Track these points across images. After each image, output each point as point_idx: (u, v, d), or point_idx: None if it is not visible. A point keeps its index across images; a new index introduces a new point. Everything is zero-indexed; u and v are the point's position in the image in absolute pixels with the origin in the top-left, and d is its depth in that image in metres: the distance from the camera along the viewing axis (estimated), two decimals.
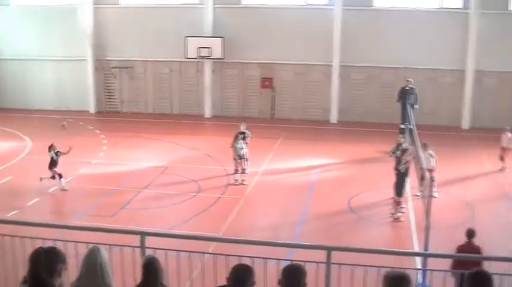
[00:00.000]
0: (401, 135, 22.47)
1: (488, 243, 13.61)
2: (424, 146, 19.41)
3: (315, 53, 32.57)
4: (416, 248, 15.59)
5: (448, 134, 29.61)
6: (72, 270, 6.13)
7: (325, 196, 20.64)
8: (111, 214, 18.20)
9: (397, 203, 18.28)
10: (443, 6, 31.51)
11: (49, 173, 20.51)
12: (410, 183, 19.32)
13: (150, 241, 7.67)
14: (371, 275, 7.61)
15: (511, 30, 30.32)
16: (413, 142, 19.77)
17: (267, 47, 32.89)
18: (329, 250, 7.35)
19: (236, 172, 21.60)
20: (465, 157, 25.24)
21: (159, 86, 35.04)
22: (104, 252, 6.05)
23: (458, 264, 10.82)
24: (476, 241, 12.31)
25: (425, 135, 21.73)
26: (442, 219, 16.80)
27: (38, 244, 6.59)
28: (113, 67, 34.94)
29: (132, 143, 27.74)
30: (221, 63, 33.65)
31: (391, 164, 19.01)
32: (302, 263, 6.29)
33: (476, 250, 11.97)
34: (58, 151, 20.62)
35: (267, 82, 33.53)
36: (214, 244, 12.79)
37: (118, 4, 34.43)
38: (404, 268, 6.29)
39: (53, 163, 20.50)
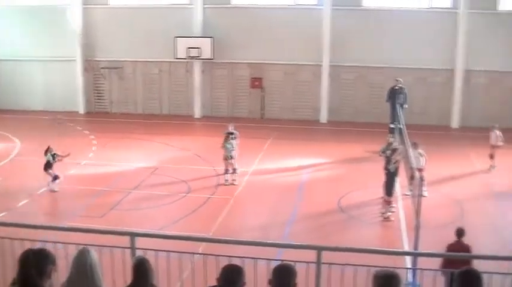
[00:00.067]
0: (391, 135, 22.54)
1: (477, 242, 13.67)
2: (414, 145, 19.48)
3: (304, 53, 32.59)
4: (407, 248, 15.63)
5: (438, 133, 29.70)
6: (62, 271, 6.10)
7: (315, 196, 20.66)
8: (100, 215, 18.16)
9: (387, 203, 18.33)
10: (432, 6, 31.60)
11: (50, 177, 20.47)
12: (400, 182, 19.38)
13: (140, 242, 7.65)
14: (361, 275, 7.62)
15: (499, 29, 30.45)
16: (403, 142, 19.82)
17: (256, 47, 32.88)
18: (319, 249, 7.35)
19: (226, 172, 21.60)
20: (455, 156, 25.32)
21: (148, 87, 34.95)
22: (94, 253, 6.03)
23: (448, 263, 10.88)
24: (466, 239, 12.36)
25: (415, 134, 21.77)
26: (431, 218, 16.85)
27: (28, 245, 6.55)
28: (102, 68, 34.81)
29: (121, 144, 27.68)
30: (211, 64, 33.61)
31: (380, 163, 19.04)
32: (292, 263, 6.29)
33: (466, 248, 12.02)
34: (55, 154, 20.55)
35: (256, 82, 33.52)
36: (204, 244, 12.78)
37: (107, 4, 34.31)
38: (395, 267, 6.30)
39: (48, 165, 20.42)
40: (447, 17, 31.16)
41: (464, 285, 5.64)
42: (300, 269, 6.31)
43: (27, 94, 35.25)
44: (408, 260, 14.08)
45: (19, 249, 6.44)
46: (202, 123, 33.44)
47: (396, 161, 18.20)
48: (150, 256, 6.69)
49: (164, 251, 8.03)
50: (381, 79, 31.55)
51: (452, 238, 12.41)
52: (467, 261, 9.56)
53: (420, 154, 19.56)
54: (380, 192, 18.65)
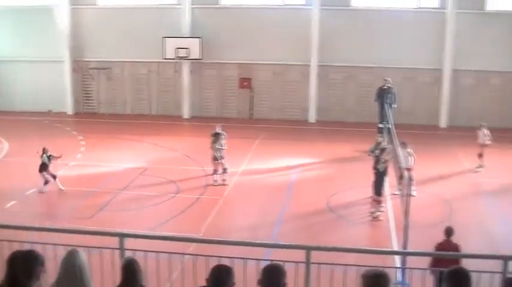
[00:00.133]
0: (380, 135, 22.59)
1: (466, 241, 13.71)
2: (403, 145, 19.54)
3: (293, 53, 32.64)
4: (396, 247, 15.65)
5: (426, 133, 29.83)
6: (50, 273, 6.07)
7: (304, 196, 20.66)
8: (89, 216, 18.07)
9: (377, 202, 18.35)
10: (421, 6, 31.74)
11: (43, 179, 20.37)
12: (389, 182, 19.41)
13: (129, 243, 7.63)
14: (350, 275, 7.64)
15: (487, 29, 30.64)
16: (391, 141, 19.86)
17: (245, 48, 32.90)
18: (308, 249, 7.36)
19: (215, 172, 21.56)
20: (443, 156, 25.42)
21: (137, 87, 34.89)
22: (83, 254, 6.02)
23: (437, 262, 10.92)
24: (455, 239, 12.40)
25: (404, 134, 21.83)
26: (420, 217, 16.88)
27: (16, 246, 6.52)
28: (91, 68, 34.72)
29: (110, 145, 27.60)
30: (199, 64, 33.59)
31: (369, 163, 19.08)
32: (282, 263, 6.29)
33: (455, 247, 12.05)
34: (50, 155, 20.47)
35: (245, 82, 33.53)
36: (193, 244, 12.75)
37: (95, 5, 34.21)
38: (384, 267, 6.31)
39: (43, 167, 20.33)
40: (435, 17, 31.32)
41: (453, 284, 5.67)
42: (289, 269, 6.32)
43: (15, 95, 35.08)
44: (397, 260, 14.10)
45: (7, 250, 6.41)
46: (191, 123, 33.41)
47: (385, 161, 18.23)
48: (139, 257, 6.68)
49: (153, 251, 8.02)
50: (369, 79, 31.63)
51: (441, 237, 12.44)
52: (456, 260, 9.57)
53: (409, 153, 19.61)
54: (369, 192, 18.66)
